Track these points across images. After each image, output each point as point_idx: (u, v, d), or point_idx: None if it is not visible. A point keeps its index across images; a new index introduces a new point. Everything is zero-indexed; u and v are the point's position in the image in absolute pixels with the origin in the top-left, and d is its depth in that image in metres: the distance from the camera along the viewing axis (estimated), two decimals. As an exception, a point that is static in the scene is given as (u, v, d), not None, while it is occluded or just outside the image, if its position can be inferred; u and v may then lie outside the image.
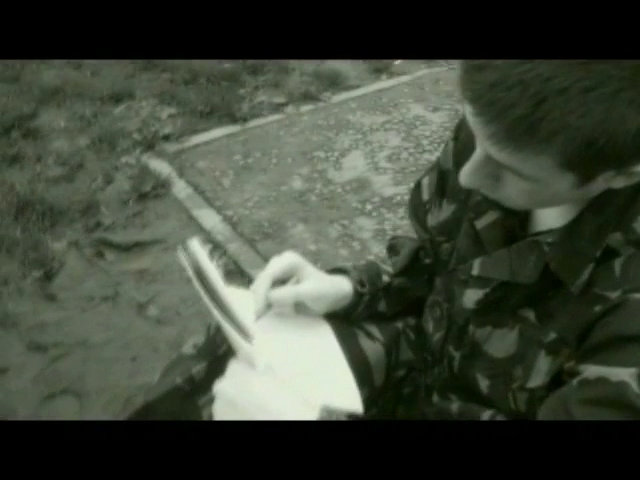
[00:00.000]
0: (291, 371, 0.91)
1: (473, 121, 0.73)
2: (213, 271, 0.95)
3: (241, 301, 0.99)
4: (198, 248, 0.96)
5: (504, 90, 0.68)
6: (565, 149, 0.70)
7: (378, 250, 2.11)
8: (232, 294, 0.98)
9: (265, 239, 2.19)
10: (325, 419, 0.80)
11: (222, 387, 0.87)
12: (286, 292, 1.04)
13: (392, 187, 2.40)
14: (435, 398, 1.12)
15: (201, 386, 0.99)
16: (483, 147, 0.78)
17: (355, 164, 2.54)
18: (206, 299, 0.93)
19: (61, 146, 2.74)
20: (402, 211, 2.27)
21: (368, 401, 0.86)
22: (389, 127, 2.81)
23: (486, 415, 0.96)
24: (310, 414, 0.80)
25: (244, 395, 0.85)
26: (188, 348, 1.14)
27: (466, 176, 0.85)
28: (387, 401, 1.19)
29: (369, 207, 2.35)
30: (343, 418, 0.81)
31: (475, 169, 0.83)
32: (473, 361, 1.01)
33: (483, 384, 0.99)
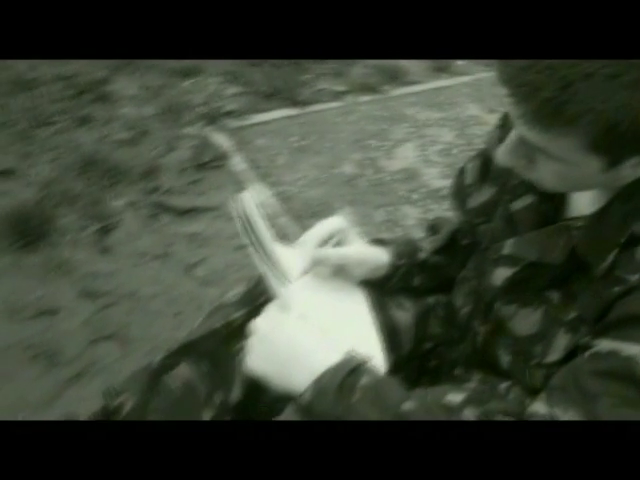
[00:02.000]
0: (322, 325, 0.95)
1: (507, 102, 0.79)
2: (260, 222, 1.02)
3: (285, 256, 1.06)
4: (249, 200, 1.04)
5: (534, 73, 0.74)
6: (589, 131, 0.76)
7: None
8: (277, 248, 1.05)
9: (312, 217, 2.26)
10: (347, 363, 0.85)
11: (257, 324, 0.94)
12: (331, 252, 1.08)
13: (440, 180, 2.45)
14: (458, 372, 1.17)
15: (238, 332, 1.04)
16: (516, 127, 0.84)
17: (406, 155, 2.60)
18: (252, 247, 1.00)
19: (129, 112, 2.85)
20: (447, 203, 2.31)
21: (393, 367, 0.90)
22: (443, 123, 2.86)
23: (503, 386, 1.01)
24: (335, 356, 0.87)
25: (277, 332, 0.91)
26: (230, 296, 1.22)
27: (502, 154, 0.91)
28: (412, 370, 1.24)
29: (415, 196, 2.40)
30: (365, 365, 0.86)
31: (510, 148, 0.89)
32: (496, 337, 1.06)
33: (504, 360, 1.04)
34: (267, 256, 0.99)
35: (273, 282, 0.99)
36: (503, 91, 0.78)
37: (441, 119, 2.90)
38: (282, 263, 1.02)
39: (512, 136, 0.88)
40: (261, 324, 0.94)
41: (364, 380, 0.83)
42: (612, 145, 0.79)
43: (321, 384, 0.83)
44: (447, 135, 2.78)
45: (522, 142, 0.86)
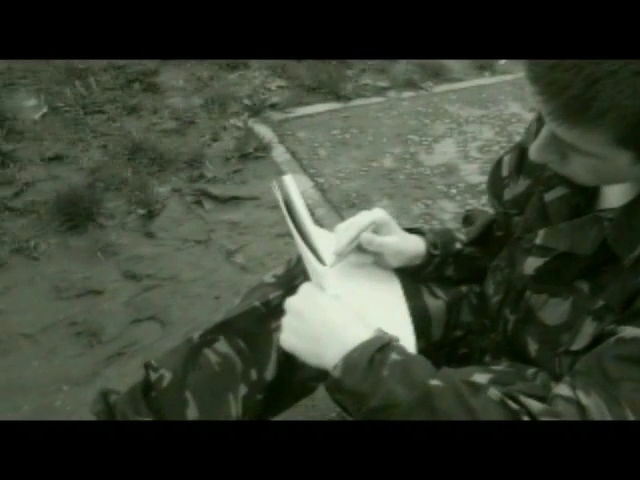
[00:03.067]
0: (356, 307, 0.97)
1: (536, 100, 0.82)
2: (301, 204, 1.06)
3: (324, 240, 1.09)
4: (291, 183, 1.07)
5: (561, 71, 0.76)
6: (616, 126, 0.78)
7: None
8: (317, 230, 1.08)
9: (350, 208, 2.29)
10: (377, 340, 0.88)
11: (292, 300, 0.97)
12: (371, 238, 1.10)
13: (479, 175, 2.46)
14: (487, 359, 1.19)
15: (276, 311, 1.06)
16: (547, 124, 0.87)
17: (446, 150, 2.62)
18: (291, 228, 1.04)
19: (176, 102, 2.92)
20: (485, 198, 2.33)
21: (423, 353, 0.92)
22: (485, 121, 2.86)
23: (530, 372, 1.03)
24: (366, 333, 0.90)
25: (311, 309, 0.94)
26: (269, 277, 1.25)
27: (535, 151, 0.93)
28: (441, 357, 1.26)
29: (454, 191, 2.42)
30: (394, 342, 0.89)
31: (542, 145, 0.91)
32: (526, 326, 1.08)
33: (532, 348, 1.06)
34: (306, 237, 1.03)
35: (309, 259, 1.02)
36: (532, 89, 0.81)
37: (482, 116, 2.91)
38: (320, 246, 1.05)
39: (544, 133, 0.90)
40: (296, 301, 0.97)
41: (393, 357, 0.85)
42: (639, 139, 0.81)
43: (351, 359, 0.86)
44: (488, 132, 2.79)
45: (553, 138, 0.88)
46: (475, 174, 2.49)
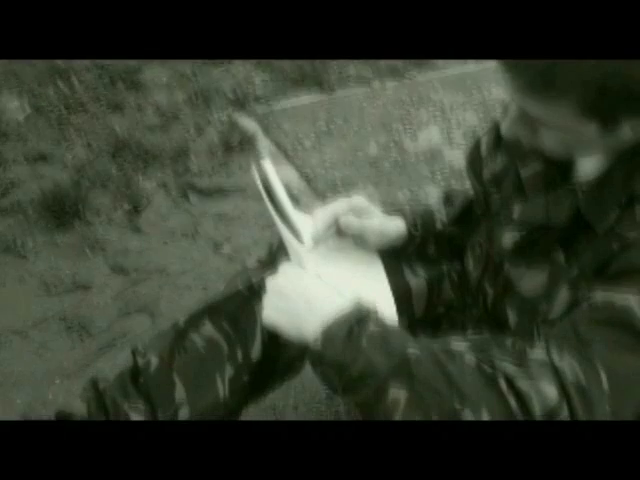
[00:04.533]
0: (337, 286, 0.98)
1: (504, 77, 0.84)
2: (280, 187, 1.07)
3: (304, 222, 1.11)
4: (270, 168, 1.09)
5: None
6: (581, 98, 0.80)
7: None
8: (296, 213, 1.10)
9: (336, 197, 2.28)
10: (356, 312, 0.89)
11: (273, 279, 0.99)
12: (353, 221, 1.11)
13: (463, 160, 2.45)
14: (469, 334, 1.21)
15: (259, 293, 1.07)
16: (515, 100, 0.89)
17: (431, 137, 2.63)
18: (271, 210, 1.06)
19: (161, 99, 2.92)
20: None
21: (406, 330, 0.94)
22: (468, 107, 2.87)
23: (509, 341, 1.05)
24: (345, 305, 0.91)
25: (291, 286, 0.96)
26: (252, 262, 1.27)
27: (506, 127, 0.96)
28: (424, 334, 1.28)
29: (439, 177, 2.44)
30: (373, 314, 0.90)
31: (513, 121, 0.94)
32: (505, 298, 1.09)
33: (512, 320, 1.08)
34: (285, 218, 1.04)
35: (290, 243, 1.04)
36: (501, 67, 0.83)
37: (466, 103, 2.92)
38: (300, 227, 1.07)
39: (513, 109, 0.92)
40: (276, 279, 0.98)
41: (372, 328, 0.87)
42: (605, 109, 0.84)
43: (331, 332, 0.87)
44: (471, 118, 2.80)
45: (522, 114, 0.91)
46: (460, 159, 2.49)
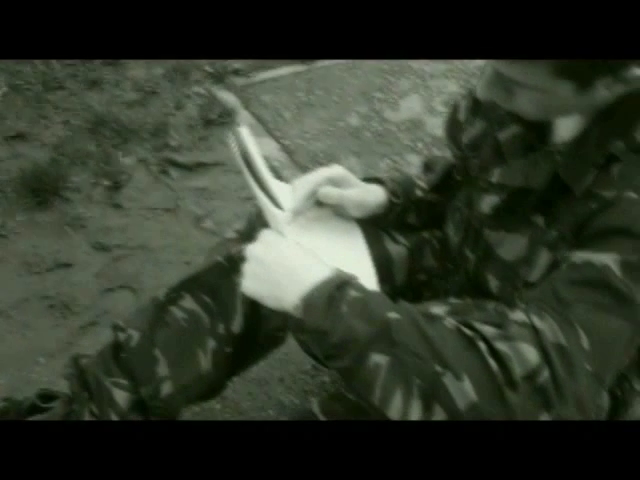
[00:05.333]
0: (318, 254, 0.98)
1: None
2: (257, 154, 1.06)
3: (282, 191, 1.10)
4: (247, 134, 1.07)
5: None
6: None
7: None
8: (274, 181, 1.08)
9: (318, 168, 2.27)
10: (335, 278, 0.88)
11: (252, 247, 0.97)
12: (332, 191, 1.10)
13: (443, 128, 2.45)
14: (451, 300, 1.21)
15: (238, 264, 1.06)
16: (489, 61, 0.88)
17: (412, 106, 2.62)
18: (249, 179, 1.04)
19: (138, 74, 2.87)
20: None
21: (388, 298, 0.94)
22: (449, 75, 2.86)
23: (491, 306, 1.05)
24: (325, 272, 0.91)
25: (270, 254, 0.95)
26: (230, 233, 1.26)
27: (481, 90, 0.95)
28: (406, 301, 1.29)
29: (420, 145, 2.43)
30: (352, 280, 0.90)
31: (488, 83, 0.93)
32: (486, 263, 1.09)
33: (493, 284, 1.08)
34: (263, 186, 1.03)
35: (268, 210, 1.03)
36: None
37: (447, 70, 2.90)
38: (278, 194, 1.06)
39: (488, 70, 0.92)
40: (255, 248, 0.97)
41: (352, 293, 0.86)
42: (579, 68, 0.83)
43: (310, 299, 0.87)
44: (452, 86, 2.78)
45: (497, 75, 0.90)
46: (441, 127, 2.48)
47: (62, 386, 1.27)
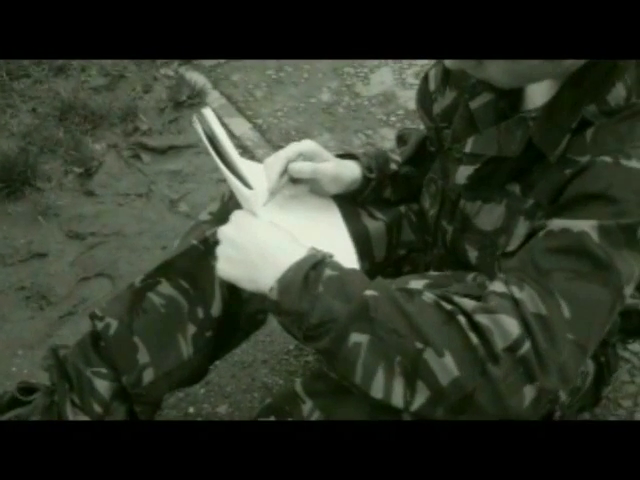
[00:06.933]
0: (296, 235, 0.97)
1: None
2: (224, 136, 1.04)
3: (253, 171, 1.08)
4: (212, 116, 1.06)
5: None
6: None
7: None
8: (242, 160, 1.07)
9: (291, 145, 2.26)
10: (310, 258, 0.88)
11: (224, 229, 0.96)
12: (305, 165, 1.09)
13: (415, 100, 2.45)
14: (430, 273, 1.21)
15: (214, 247, 1.06)
16: None
17: (383, 79, 2.59)
18: (218, 162, 1.03)
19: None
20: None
21: (368, 274, 0.93)
22: (420, 46, 2.84)
23: (470, 277, 1.04)
24: (300, 252, 0.90)
25: (243, 235, 0.94)
26: (204, 215, 1.25)
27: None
28: (387, 277, 1.28)
29: (393, 119, 2.41)
30: (328, 259, 0.89)
31: None
32: (464, 234, 1.09)
33: (472, 255, 1.08)
34: (231, 166, 1.01)
35: (238, 190, 1.01)
36: None
37: (417, 42, 2.88)
38: (249, 176, 1.04)
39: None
40: (228, 229, 0.96)
41: (327, 272, 0.86)
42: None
43: (286, 280, 0.86)
44: (423, 57, 2.77)
45: None
46: (413, 100, 2.46)
47: (42, 378, 1.25)
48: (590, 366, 1.13)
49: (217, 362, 1.29)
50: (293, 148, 1.11)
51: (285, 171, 1.08)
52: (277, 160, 1.08)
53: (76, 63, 2.77)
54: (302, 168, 1.09)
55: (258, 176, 1.06)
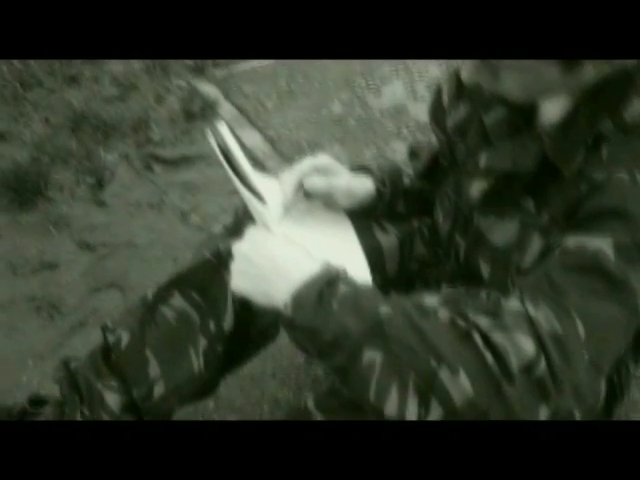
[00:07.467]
0: (308, 248, 0.95)
1: None
2: (238, 150, 1.04)
3: (267, 185, 1.08)
4: (226, 131, 1.06)
5: None
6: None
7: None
8: (256, 174, 1.07)
9: (302, 157, 2.26)
10: (325, 274, 0.86)
11: (239, 244, 0.96)
12: (319, 181, 1.09)
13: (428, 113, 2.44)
14: (443, 289, 1.20)
15: (228, 261, 1.05)
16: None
17: (394, 91, 2.60)
18: (232, 175, 1.03)
19: (117, 69, 2.85)
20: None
21: (380, 288, 0.91)
22: (431, 58, 2.84)
23: (483, 293, 1.03)
24: (314, 267, 0.89)
25: (257, 250, 0.93)
26: (218, 228, 1.24)
27: (467, 72, 0.93)
28: (399, 291, 1.27)
29: (404, 131, 2.41)
30: (342, 275, 0.88)
31: (473, 65, 0.92)
32: (477, 249, 1.08)
33: (485, 271, 1.07)
34: (245, 181, 1.01)
35: (252, 205, 1.01)
36: None
37: (428, 54, 2.88)
38: (263, 190, 1.04)
39: None
40: (242, 245, 0.95)
41: (342, 289, 0.85)
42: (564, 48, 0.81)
43: (300, 296, 0.85)
44: (434, 69, 2.77)
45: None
46: (424, 113, 2.45)
47: (52, 388, 1.25)
48: (602, 385, 1.12)
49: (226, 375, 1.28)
50: (307, 163, 1.11)
51: (299, 186, 1.08)
52: (291, 174, 1.08)
53: (89, 73, 2.79)
54: (316, 184, 1.09)
55: (272, 191, 1.06)
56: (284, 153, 2.33)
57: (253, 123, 2.47)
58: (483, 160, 1.04)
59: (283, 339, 1.26)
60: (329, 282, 0.86)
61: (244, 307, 1.16)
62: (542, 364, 0.77)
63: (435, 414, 0.78)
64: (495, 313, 0.84)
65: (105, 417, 1.13)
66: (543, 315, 0.80)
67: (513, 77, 0.89)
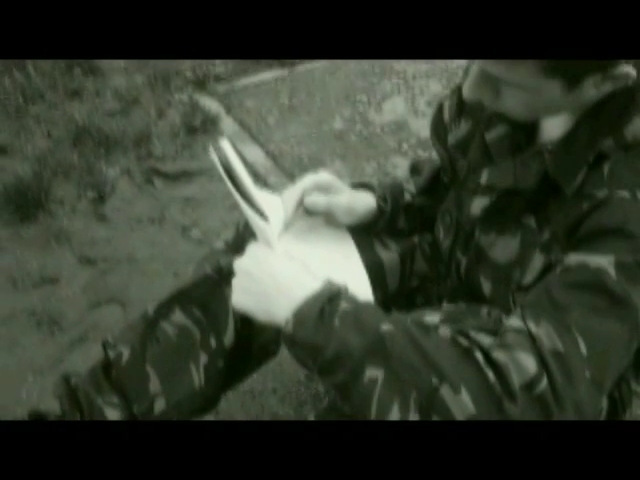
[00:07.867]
0: (309, 266, 0.96)
1: None
2: (240, 167, 1.04)
3: (269, 202, 1.08)
4: (228, 147, 1.06)
5: None
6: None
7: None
8: (258, 191, 1.07)
9: (303, 173, 2.26)
10: (326, 291, 0.87)
11: (240, 260, 0.96)
12: (320, 199, 1.09)
13: (429, 130, 2.45)
14: (444, 305, 1.20)
15: (228, 276, 1.03)
16: (476, 61, 0.87)
17: (395, 107, 2.61)
18: (234, 192, 1.03)
19: (119, 83, 2.86)
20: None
21: (381, 304, 0.91)
22: (431, 74, 2.85)
23: (484, 310, 1.03)
24: (315, 284, 0.89)
25: (258, 266, 0.93)
26: (219, 244, 1.24)
27: (467, 89, 0.94)
28: (399, 307, 1.27)
29: (405, 147, 2.42)
30: (343, 292, 0.88)
31: (474, 82, 0.92)
32: (478, 266, 1.08)
33: (486, 287, 1.07)
34: (247, 197, 1.02)
35: (254, 222, 1.01)
36: None
37: (429, 70, 2.89)
38: (265, 207, 1.04)
39: (474, 70, 0.90)
40: (243, 261, 0.96)
41: (343, 306, 0.85)
42: (567, 66, 0.82)
43: (301, 313, 0.85)
44: (435, 86, 2.78)
45: (483, 74, 0.89)
46: (425, 128, 2.45)
47: (52, 404, 1.24)
48: (603, 402, 1.11)
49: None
50: (309, 180, 1.11)
51: (301, 203, 1.08)
52: (293, 193, 1.08)
53: (91, 86, 2.80)
54: (316, 202, 1.09)
55: (274, 207, 1.06)
56: (285, 168, 2.34)
57: (254, 138, 2.48)
58: (484, 177, 1.05)
59: (284, 355, 1.26)
60: (330, 299, 0.86)
61: (245, 323, 1.15)
62: (544, 381, 0.77)
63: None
64: (496, 330, 0.84)
65: (105, 433, 1.13)
66: (544, 332, 0.80)
67: (514, 95, 0.89)
